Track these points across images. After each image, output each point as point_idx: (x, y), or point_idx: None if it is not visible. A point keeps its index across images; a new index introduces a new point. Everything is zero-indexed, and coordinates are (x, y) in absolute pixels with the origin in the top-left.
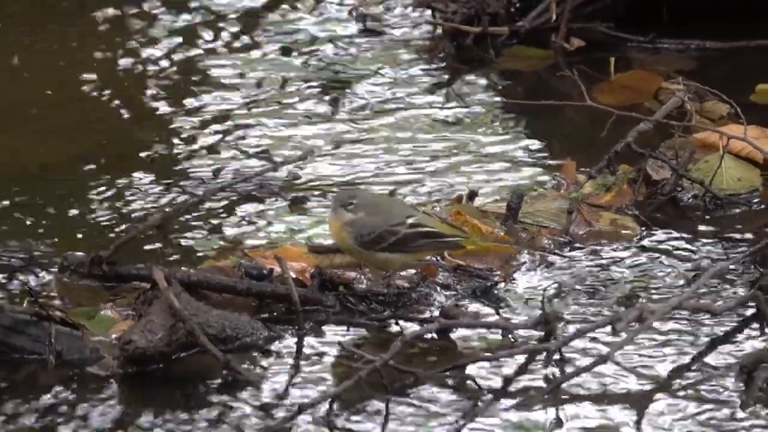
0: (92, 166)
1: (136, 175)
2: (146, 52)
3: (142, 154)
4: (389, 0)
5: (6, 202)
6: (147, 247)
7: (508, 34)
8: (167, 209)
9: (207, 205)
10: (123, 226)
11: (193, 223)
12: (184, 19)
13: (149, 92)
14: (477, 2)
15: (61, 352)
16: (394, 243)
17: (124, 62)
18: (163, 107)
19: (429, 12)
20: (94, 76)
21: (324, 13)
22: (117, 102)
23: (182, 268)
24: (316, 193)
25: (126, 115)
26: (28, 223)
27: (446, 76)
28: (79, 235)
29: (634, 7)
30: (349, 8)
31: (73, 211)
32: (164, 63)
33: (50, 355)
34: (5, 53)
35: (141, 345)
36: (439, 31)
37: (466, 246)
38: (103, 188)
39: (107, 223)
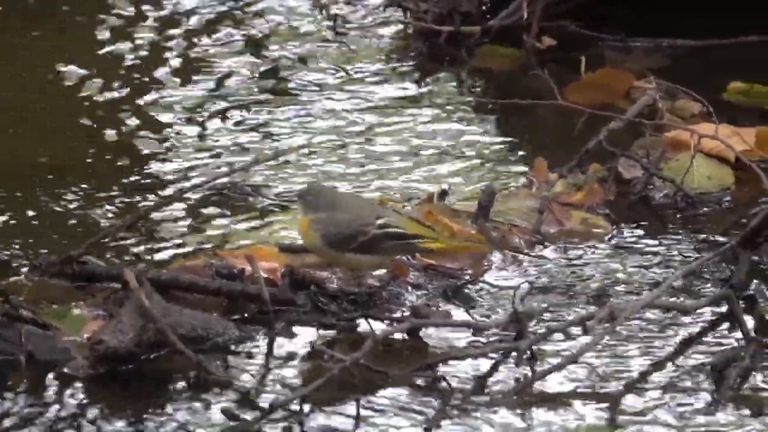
0: (82, 167)
1: (114, 176)
2: (142, 55)
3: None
4: None
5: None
6: (118, 246)
7: (480, 33)
8: (139, 209)
9: (178, 204)
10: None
11: (164, 223)
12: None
13: (143, 95)
14: (448, 1)
15: (32, 352)
16: (363, 244)
17: (121, 62)
18: (156, 109)
19: (400, 11)
20: (87, 74)
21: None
22: (112, 104)
23: (153, 268)
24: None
25: (119, 117)
26: (11, 222)
27: (417, 76)
28: (55, 236)
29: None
30: (317, 6)
31: (43, 204)
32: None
33: (21, 356)
34: (3, 54)
35: (112, 345)
36: (411, 30)
37: (435, 249)
38: (82, 190)
39: (82, 222)
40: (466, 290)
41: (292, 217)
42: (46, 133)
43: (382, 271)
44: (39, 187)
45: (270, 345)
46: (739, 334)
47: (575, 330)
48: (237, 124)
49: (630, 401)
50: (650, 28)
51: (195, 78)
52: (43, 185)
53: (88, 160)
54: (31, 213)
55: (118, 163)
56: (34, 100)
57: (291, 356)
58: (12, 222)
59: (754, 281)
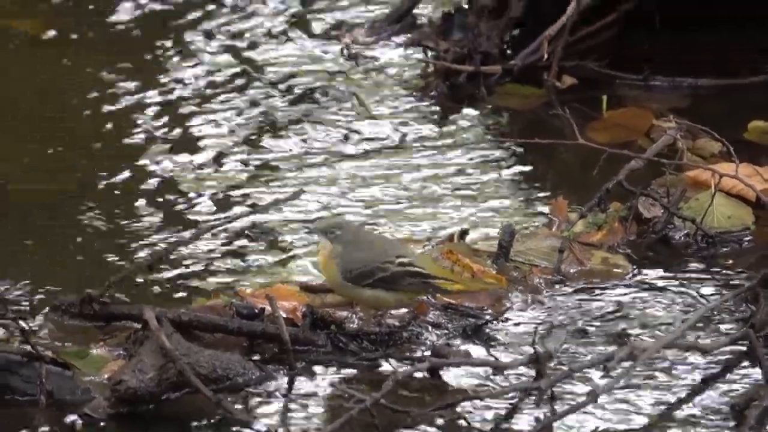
0: (82, 192)
1: (128, 203)
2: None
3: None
4: (380, 37)
5: None
6: (138, 286)
7: (500, 73)
8: (159, 248)
9: (199, 244)
10: (112, 257)
11: (185, 262)
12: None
13: (144, 116)
14: (469, 41)
15: (52, 392)
16: (381, 279)
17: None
18: (156, 128)
19: (421, 50)
20: (83, 87)
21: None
22: (107, 121)
23: (173, 307)
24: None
25: (116, 135)
26: (28, 258)
27: (438, 115)
28: (67, 270)
29: (629, 20)
30: (340, 46)
31: (61, 239)
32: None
33: (41, 396)
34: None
35: (132, 385)
36: (432, 69)
37: (452, 290)
38: (92, 215)
39: (97, 254)
40: (486, 330)
41: (312, 256)
42: (67, 163)
43: (402, 311)
44: (58, 222)
45: (290, 385)
46: (759, 374)
47: (596, 370)
48: (256, 159)
49: None
50: (672, 67)
51: (216, 109)
52: (62, 220)
53: (105, 197)
54: (49, 247)
55: (138, 199)
56: (56, 119)
57: (311, 396)
58: (29, 258)
59: None
